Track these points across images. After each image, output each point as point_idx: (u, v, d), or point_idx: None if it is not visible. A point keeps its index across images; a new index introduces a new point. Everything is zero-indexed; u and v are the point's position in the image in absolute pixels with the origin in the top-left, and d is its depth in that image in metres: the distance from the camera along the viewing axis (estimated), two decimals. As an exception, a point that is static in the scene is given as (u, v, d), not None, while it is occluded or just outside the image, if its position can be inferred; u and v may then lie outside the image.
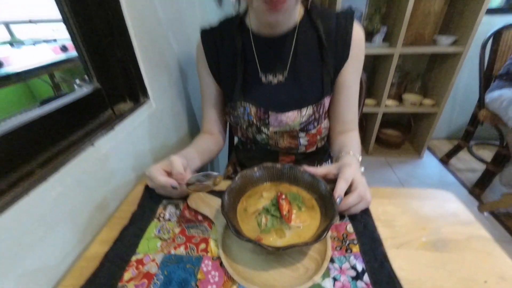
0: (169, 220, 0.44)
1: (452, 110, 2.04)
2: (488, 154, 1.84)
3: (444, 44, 1.54)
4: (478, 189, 1.54)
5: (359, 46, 0.56)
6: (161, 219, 0.44)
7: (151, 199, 0.48)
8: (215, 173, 0.44)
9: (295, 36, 0.54)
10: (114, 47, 0.53)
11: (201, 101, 0.69)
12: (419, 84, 1.83)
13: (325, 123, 0.64)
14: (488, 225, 1.34)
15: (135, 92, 0.59)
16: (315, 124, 0.60)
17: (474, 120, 1.63)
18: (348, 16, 0.55)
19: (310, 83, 0.57)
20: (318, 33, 0.54)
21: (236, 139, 0.81)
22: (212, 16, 1.07)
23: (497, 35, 1.42)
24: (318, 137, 0.65)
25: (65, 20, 0.48)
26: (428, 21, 1.51)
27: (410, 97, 1.77)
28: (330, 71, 0.56)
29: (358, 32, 0.55)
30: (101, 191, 0.47)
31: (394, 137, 1.96)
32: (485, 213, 1.41)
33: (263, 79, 0.58)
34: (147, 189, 0.50)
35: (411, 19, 1.48)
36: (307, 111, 0.57)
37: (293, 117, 0.57)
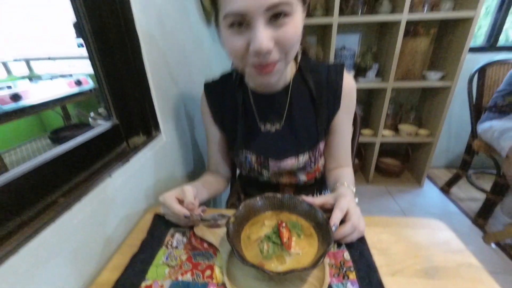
0: (177, 247, 0.47)
1: (448, 140, 2.10)
2: (487, 183, 1.85)
3: (433, 79, 1.65)
4: (481, 219, 1.53)
5: (349, 95, 0.60)
6: (169, 246, 0.47)
7: (159, 228, 0.52)
8: (228, 214, 0.48)
9: (289, 92, 0.59)
10: (134, 88, 0.60)
11: (207, 145, 0.74)
12: (413, 115, 1.92)
13: (322, 161, 0.68)
14: (495, 256, 1.31)
15: (148, 127, 0.65)
16: (312, 165, 0.64)
17: (470, 150, 1.68)
18: (338, 68, 0.60)
19: (305, 131, 0.61)
20: (309, 88, 0.60)
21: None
22: (218, 58, 1.18)
23: (482, 71, 1.54)
24: (317, 173, 0.70)
25: (93, 63, 0.55)
26: (416, 58, 1.64)
27: (406, 128, 1.84)
28: (323, 120, 0.61)
29: (348, 82, 0.59)
30: (115, 219, 0.50)
31: (393, 166, 2.00)
32: (493, 245, 1.39)
33: (262, 128, 0.62)
34: (156, 218, 0.54)
35: (400, 57, 1.61)
36: (303, 157, 0.62)
37: (291, 163, 0.62)
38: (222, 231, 0.48)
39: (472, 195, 1.81)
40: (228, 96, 0.65)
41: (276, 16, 0.42)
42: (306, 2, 0.47)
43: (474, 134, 1.55)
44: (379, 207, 1.75)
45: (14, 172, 0.38)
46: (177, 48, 0.76)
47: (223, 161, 0.73)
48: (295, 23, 0.44)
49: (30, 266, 0.33)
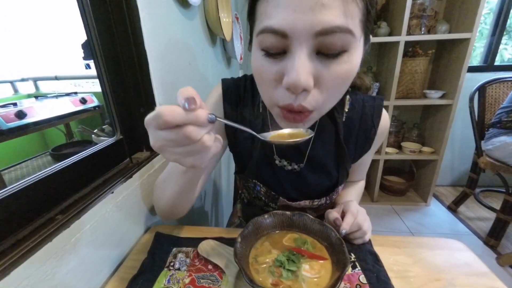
0: (179, 269, 0.44)
1: (453, 158, 2.08)
2: (496, 201, 1.81)
3: (434, 97, 1.67)
4: (493, 240, 1.47)
5: (382, 135, 0.53)
6: (171, 268, 0.44)
7: (161, 248, 0.49)
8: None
9: (314, 131, 0.50)
10: (140, 105, 0.60)
11: None
12: (416, 133, 1.91)
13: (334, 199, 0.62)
14: (510, 280, 1.24)
15: (152, 143, 0.64)
16: (326, 206, 0.59)
17: (476, 168, 1.65)
18: (376, 104, 0.51)
19: (325, 175, 0.54)
20: (336, 128, 0.50)
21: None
22: (222, 76, 1.20)
23: (482, 89, 1.55)
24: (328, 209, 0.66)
25: (101, 80, 0.56)
26: (416, 78, 1.67)
27: (409, 145, 1.83)
28: (346, 163, 0.53)
29: (384, 122, 0.52)
30: (114, 238, 0.47)
31: (398, 184, 1.96)
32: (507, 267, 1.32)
33: (277, 162, 0.54)
34: (158, 236, 0.51)
35: (401, 76, 1.64)
36: (319, 202, 0.56)
37: (303, 205, 0.56)
38: (228, 251, 0.45)
39: (481, 214, 1.76)
40: (247, 114, 0.54)
41: (327, 49, 0.30)
42: (369, 38, 0.36)
43: (478, 151, 1.53)
44: (386, 227, 1.69)
45: (11, 188, 0.37)
46: (183, 67, 0.77)
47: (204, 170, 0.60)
48: (350, 63, 0.32)
49: (22, 290, 0.30)
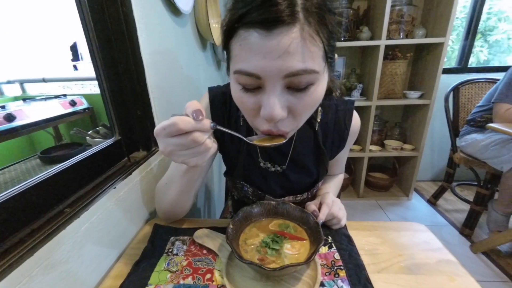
0: (177, 254, 0.49)
1: (432, 154, 2.21)
2: (471, 194, 1.94)
3: (413, 97, 1.77)
4: (467, 229, 1.58)
5: (354, 134, 0.61)
6: (169, 253, 0.49)
7: (160, 237, 0.54)
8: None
9: (294, 137, 0.57)
10: (137, 107, 0.64)
11: None
12: (398, 131, 2.02)
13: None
14: (482, 264, 1.35)
15: (148, 143, 0.69)
16: (308, 200, 0.63)
17: (452, 163, 1.77)
18: (347, 108, 0.58)
19: (306, 173, 0.62)
20: (315, 133, 0.58)
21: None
22: (212, 81, 1.26)
23: (456, 90, 1.67)
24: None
25: (100, 84, 0.60)
26: (396, 79, 1.78)
27: (391, 143, 1.94)
28: (325, 162, 0.61)
29: (355, 123, 0.59)
30: (117, 229, 0.52)
31: (382, 180, 2.07)
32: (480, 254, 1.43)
33: (262, 164, 0.60)
34: (156, 227, 0.56)
35: (382, 78, 1.74)
36: (302, 197, 0.64)
37: (287, 200, 0.64)
38: (220, 237, 0.51)
39: (458, 206, 1.88)
40: (233, 121, 0.59)
41: (296, 85, 0.35)
42: (333, 59, 0.40)
43: (453, 148, 1.65)
44: (371, 220, 1.79)
45: (22, 185, 0.41)
46: (176, 72, 0.82)
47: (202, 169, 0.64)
48: (317, 92, 0.38)
49: (40, 270, 0.35)
